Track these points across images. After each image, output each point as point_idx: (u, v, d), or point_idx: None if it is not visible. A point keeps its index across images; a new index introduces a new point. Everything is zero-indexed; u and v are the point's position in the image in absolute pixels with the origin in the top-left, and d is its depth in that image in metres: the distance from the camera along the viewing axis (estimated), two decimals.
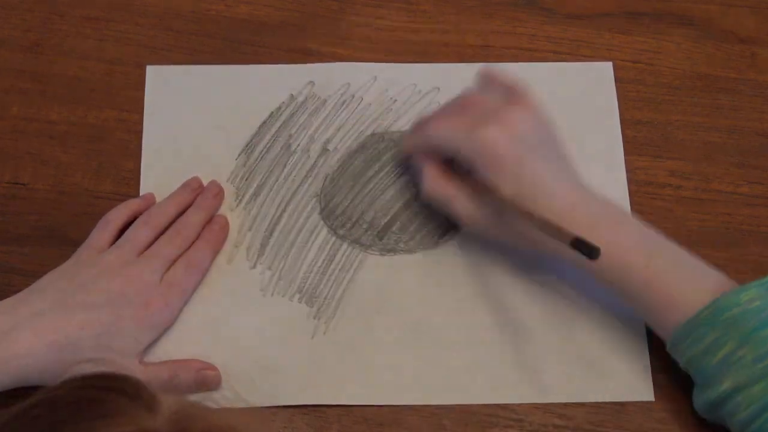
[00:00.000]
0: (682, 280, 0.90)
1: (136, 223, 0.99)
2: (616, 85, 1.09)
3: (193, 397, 0.94)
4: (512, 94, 0.96)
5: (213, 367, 0.95)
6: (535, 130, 0.94)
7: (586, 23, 1.12)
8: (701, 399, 0.89)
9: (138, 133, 1.06)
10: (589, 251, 0.85)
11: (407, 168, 1.04)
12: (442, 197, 0.97)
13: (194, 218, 1.00)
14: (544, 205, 0.91)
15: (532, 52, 1.11)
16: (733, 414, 0.86)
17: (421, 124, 1.00)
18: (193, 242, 0.99)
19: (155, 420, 0.64)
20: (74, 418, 0.63)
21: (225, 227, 1.01)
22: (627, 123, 1.07)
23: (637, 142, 1.07)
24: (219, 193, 1.02)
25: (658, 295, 0.90)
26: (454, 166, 0.97)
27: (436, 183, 0.97)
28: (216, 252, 1.00)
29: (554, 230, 0.88)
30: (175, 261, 0.97)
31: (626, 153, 1.06)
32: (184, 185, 1.02)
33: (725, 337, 0.85)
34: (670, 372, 0.95)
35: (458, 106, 0.98)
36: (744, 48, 1.11)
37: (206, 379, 0.95)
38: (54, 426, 0.63)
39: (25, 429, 0.64)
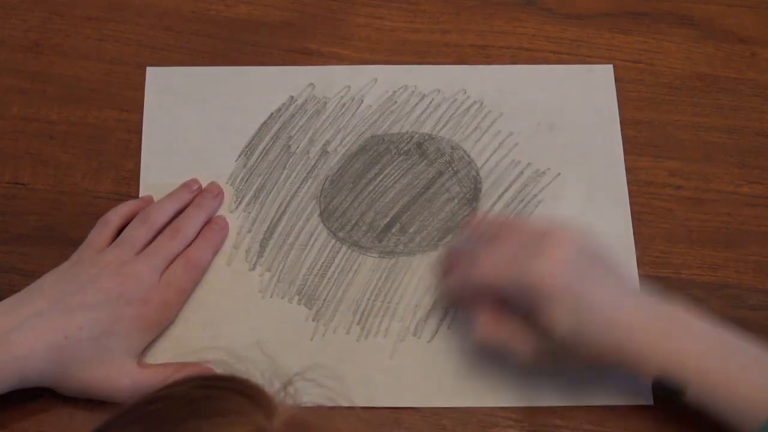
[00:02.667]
0: (760, 381, 0.87)
1: (133, 222, 0.99)
2: (616, 85, 1.09)
3: None
4: (547, 223, 0.93)
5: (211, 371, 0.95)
6: (583, 252, 0.89)
7: (586, 23, 1.12)
8: None
9: (138, 133, 1.06)
10: (674, 391, 0.85)
11: (455, 308, 0.99)
12: (496, 343, 0.92)
13: (193, 217, 1.00)
14: (606, 334, 0.87)
15: (532, 52, 1.11)
16: None
17: (455, 262, 0.97)
18: (192, 241, 0.99)
19: (271, 423, 0.64)
20: (193, 414, 0.64)
21: (225, 228, 1.01)
22: (627, 123, 1.07)
23: (637, 142, 1.07)
24: (219, 194, 1.02)
25: (735, 399, 0.86)
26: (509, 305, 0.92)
27: (487, 329, 0.92)
28: (216, 251, 1.00)
29: (634, 369, 0.87)
30: (174, 259, 0.97)
31: (626, 153, 1.06)
32: (183, 185, 1.02)
33: None
34: None
35: (495, 237, 0.93)
36: (744, 48, 1.11)
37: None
38: (173, 421, 0.64)
39: (142, 423, 0.65)
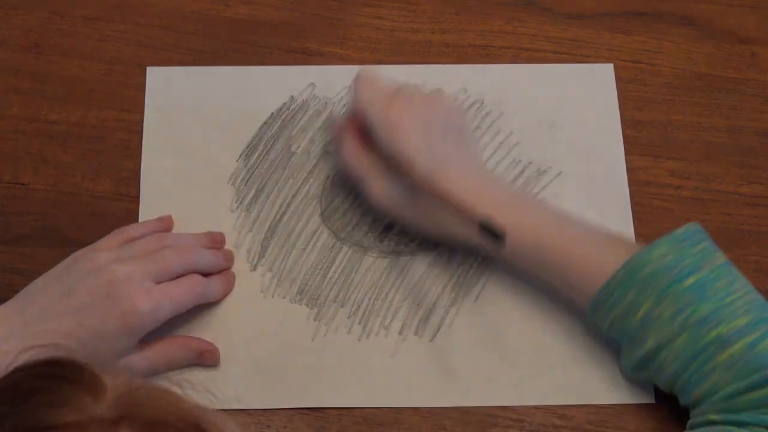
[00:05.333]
0: (595, 249, 0.91)
1: (149, 237, 0.96)
2: (616, 85, 1.09)
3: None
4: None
5: (211, 347, 0.95)
6: (445, 117, 0.98)
7: (586, 23, 1.12)
8: (628, 361, 0.91)
9: (138, 133, 1.06)
10: (495, 235, 0.87)
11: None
12: (357, 170, 0.99)
13: (206, 255, 0.98)
14: (455, 184, 0.93)
15: (532, 52, 1.11)
16: (660, 371, 0.88)
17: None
18: (193, 273, 0.96)
19: (99, 406, 0.62)
20: (16, 410, 0.61)
21: (233, 284, 1.00)
22: (627, 123, 1.07)
23: (637, 142, 1.07)
24: (232, 261, 1.01)
25: (573, 265, 0.91)
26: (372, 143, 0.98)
27: (352, 155, 0.99)
28: (220, 297, 0.98)
29: (465, 210, 0.90)
30: (170, 276, 0.94)
31: (626, 153, 1.06)
32: (209, 234, 1.00)
33: (643, 295, 0.87)
34: None
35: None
36: (744, 48, 1.12)
37: (204, 360, 0.95)
38: None
39: None
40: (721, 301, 0.86)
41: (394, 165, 0.95)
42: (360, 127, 0.98)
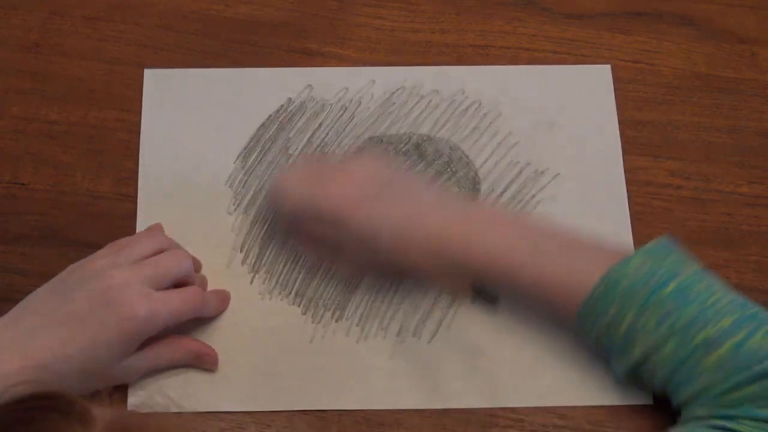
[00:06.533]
0: (571, 265, 0.91)
1: (139, 233, 0.96)
2: (615, 86, 1.09)
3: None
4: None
5: (210, 351, 0.96)
6: (373, 174, 0.95)
7: (586, 23, 1.12)
8: (618, 369, 0.91)
9: (138, 134, 1.06)
10: (490, 297, 0.88)
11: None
12: (323, 257, 0.99)
13: (196, 273, 0.98)
14: (424, 242, 0.92)
15: (532, 52, 1.11)
16: (651, 377, 0.89)
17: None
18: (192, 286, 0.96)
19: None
20: None
21: (228, 301, 1.00)
22: (627, 123, 1.07)
23: (637, 142, 1.07)
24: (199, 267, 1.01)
25: (550, 286, 0.90)
26: None
27: (312, 248, 0.98)
28: (217, 313, 0.99)
29: (451, 287, 0.90)
30: (168, 280, 0.93)
31: (626, 153, 1.06)
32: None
33: (624, 309, 0.87)
34: None
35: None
36: (744, 48, 1.11)
37: (203, 363, 0.95)
38: None
39: None
40: (703, 303, 0.86)
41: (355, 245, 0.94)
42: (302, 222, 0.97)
